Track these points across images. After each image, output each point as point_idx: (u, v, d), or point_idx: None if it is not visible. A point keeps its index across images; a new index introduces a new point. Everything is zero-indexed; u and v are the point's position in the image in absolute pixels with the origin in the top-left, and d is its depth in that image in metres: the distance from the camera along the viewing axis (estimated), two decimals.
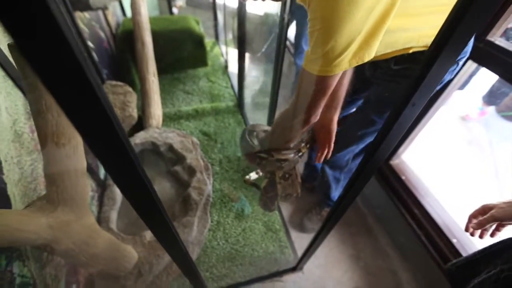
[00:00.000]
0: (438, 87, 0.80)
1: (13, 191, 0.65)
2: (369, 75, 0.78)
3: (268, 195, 0.83)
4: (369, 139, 0.92)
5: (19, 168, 0.70)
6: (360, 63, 0.51)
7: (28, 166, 0.73)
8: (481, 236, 0.63)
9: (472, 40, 0.67)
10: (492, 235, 0.62)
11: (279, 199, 0.83)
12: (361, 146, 1.00)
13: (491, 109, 2.08)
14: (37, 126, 0.59)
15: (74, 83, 0.19)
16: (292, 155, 0.73)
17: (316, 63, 0.49)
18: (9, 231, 0.51)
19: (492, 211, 0.61)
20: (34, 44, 0.16)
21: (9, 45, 0.55)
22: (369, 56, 0.50)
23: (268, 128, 0.86)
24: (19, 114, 0.73)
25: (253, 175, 0.89)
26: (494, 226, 0.61)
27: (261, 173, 0.84)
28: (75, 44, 0.17)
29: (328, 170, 1.15)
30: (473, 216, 0.64)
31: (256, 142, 0.80)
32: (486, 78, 1.97)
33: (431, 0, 0.55)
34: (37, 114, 0.57)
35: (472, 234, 0.63)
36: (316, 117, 0.60)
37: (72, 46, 0.17)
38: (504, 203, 0.61)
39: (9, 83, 0.72)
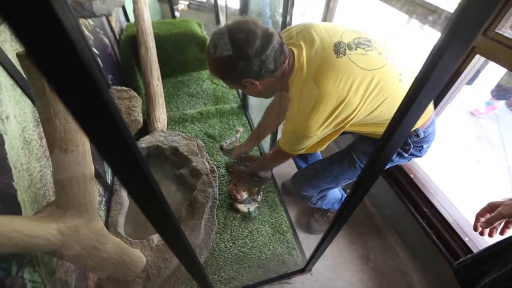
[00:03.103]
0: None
1: (23, 197, 0.66)
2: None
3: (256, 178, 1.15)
4: (342, 183, 1.01)
5: (29, 174, 0.71)
6: (315, 151, 0.83)
7: (37, 172, 0.75)
8: (490, 235, 0.61)
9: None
10: (501, 233, 0.61)
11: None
12: (332, 186, 1.03)
13: (501, 103, 2.03)
14: (45, 133, 0.60)
15: (82, 89, 0.19)
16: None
17: (285, 147, 0.82)
18: (20, 237, 0.52)
19: (499, 209, 0.60)
20: (45, 53, 0.17)
21: (17, 54, 0.56)
22: (321, 149, 0.82)
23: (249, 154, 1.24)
24: (27, 121, 0.75)
25: (228, 142, 1.25)
26: (502, 224, 0.60)
27: (235, 141, 1.25)
28: (85, 51, 0.17)
29: (295, 195, 1.17)
30: (480, 214, 0.63)
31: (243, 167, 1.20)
32: (494, 72, 1.93)
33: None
34: (45, 121, 0.58)
35: (481, 234, 0.62)
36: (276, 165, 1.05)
37: (81, 54, 0.17)
38: (510, 199, 0.59)
39: (18, 91, 0.73)
